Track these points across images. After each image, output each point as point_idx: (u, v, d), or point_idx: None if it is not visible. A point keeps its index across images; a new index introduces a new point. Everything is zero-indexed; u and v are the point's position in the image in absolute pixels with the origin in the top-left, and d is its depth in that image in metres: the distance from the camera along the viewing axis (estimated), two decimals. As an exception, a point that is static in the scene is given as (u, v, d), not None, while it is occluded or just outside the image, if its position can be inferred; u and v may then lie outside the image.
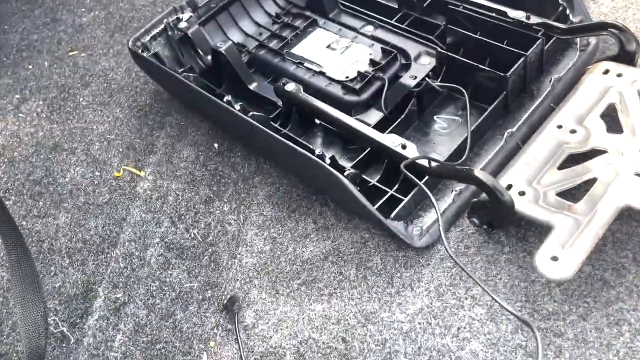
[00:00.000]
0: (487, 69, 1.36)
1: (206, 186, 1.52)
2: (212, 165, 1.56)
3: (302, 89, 1.43)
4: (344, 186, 1.20)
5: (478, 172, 1.10)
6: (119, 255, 1.42)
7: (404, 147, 1.25)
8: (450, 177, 1.18)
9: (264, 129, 1.32)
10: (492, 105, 1.36)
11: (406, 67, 1.55)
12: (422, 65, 1.53)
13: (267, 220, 1.42)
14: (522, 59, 1.35)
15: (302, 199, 1.44)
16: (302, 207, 1.42)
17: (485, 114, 1.35)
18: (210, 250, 1.39)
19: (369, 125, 1.44)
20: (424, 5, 1.65)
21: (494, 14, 1.48)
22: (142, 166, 1.61)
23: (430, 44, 1.56)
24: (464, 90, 1.38)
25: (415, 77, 1.39)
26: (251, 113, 1.39)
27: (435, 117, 1.47)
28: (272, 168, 1.52)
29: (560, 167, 1.17)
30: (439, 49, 1.50)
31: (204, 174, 1.55)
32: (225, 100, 1.42)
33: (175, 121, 1.70)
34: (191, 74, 1.56)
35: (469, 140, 1.27)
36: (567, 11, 1.47)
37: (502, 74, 1.34)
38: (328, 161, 1.27)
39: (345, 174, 1.24)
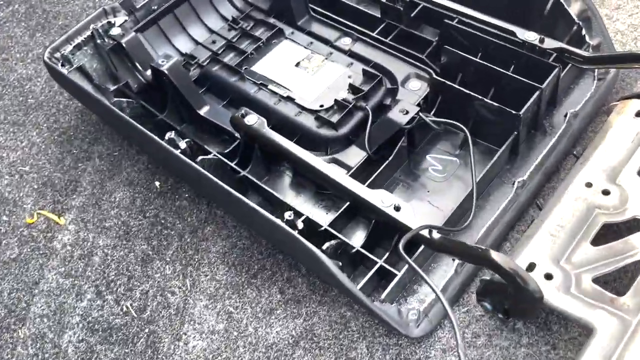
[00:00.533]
0: (494, 104, 1.11)
1: (143, 240, 1.21)
2: (152, 211, 1.26)
3: (265, 123, 1.14)
4: (322, 263, 0.93)
5: (496, 255, 0.84)
6: (27, 337, 1.11)
7: (397, 209, 0.98)
8: (458, 255, 0.92)
9: (218, 182, 1.02)
10: (501, 150, 1.10)
11: (392, 92, 1.28)
12: (412, 92, 1.26)
13: (221, 287, 1.13)
14: (537, 93, 1.10)
15: (265, 259, 1.16)
16: (266, 269, 1.14)
17: (493, 160, 1.09)
18: (147, 330, 1.09)
19: (348, 167, 1.17)
20: (412, 15, 1.38)
21: (495, 31, 1.23)
22: (62, 210, 1.29)
23: (420, 64, 1.29)
24: (465, 130, 1.12)
25: (407, 112, 1.12)
26: (200, 158, 1.09)
27: (428, 157, 1.21)
28: (228, 215, 1.23)
29: (595, 242, 0.93)
30: (433, 74, 1.24)
31: (141, 223, 1.24)
32: (167, 138, 1.12)
33: (107, 151, 1.38)
34: (124, 100, 1.24)
35: (474, 201, 1.02)
36: (583, 31, 1.22)
37: (514, 112, 1.08)
38: (301, 225, 1.00)
39: (325, 247, 0.97)
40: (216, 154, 1.17)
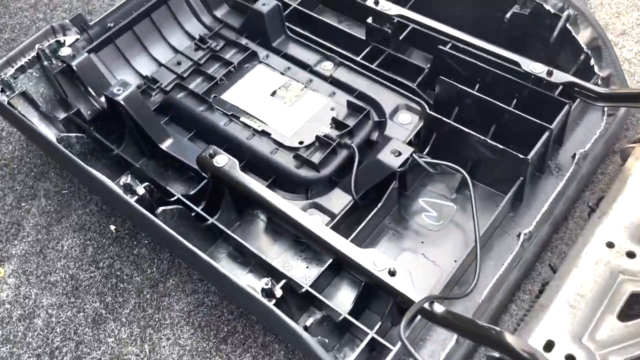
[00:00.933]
0: (497, 146, 0.98)
1: (95, 297, 1.05)
2: (106, 261, 1.09)
3: (237, 165, 0.99)
4: (305, 344, 0.78)
5: (513, 340, 0.71)
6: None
7: (392, 273, 0.84)
8: (466, 334, 0.78)
9: (182, 241, 0.87)
10: (506, 199, 0.98)
11: (379, 125, 1.14)
12: (402, 126, 1.12)
13: (185, 354, 0.98)
14: (547, 134, 0.97)
15: (236, 320, 1.01)
16: (237, 332, 0.99)
17: (497, 212, 0.96)
18: (97, 411, 0.93)
19: (331, 213, 1.02)
20: (400, 38, 1.25)
21: (494, 58, 1.10)
22: (1, 259, 1.11)
23: (410, 94, 1.16)
24: (465, 174, 0.98)
25: (399, 154, 0.98)
26: (161, 209, 0.93)
27: (420, 201, 1.08)
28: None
29: (622, 315, 0.80)
30: (425, 106, 1.11)
31: (93, 276, 1.07)
32: (122, 183, 0.95)
33: (54, 188, 1.20)
34: (72, 135, 1.07)
35: (478, 263, 0.88)
36: (592, 61, 1.11)
37: (521, 157, 0.96)
38: (279, 293, 0.85)
39: (308, 323, 0.82)
40: (180, 197, 1.01)
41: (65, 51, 1.17)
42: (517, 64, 1.05)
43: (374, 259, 0.85)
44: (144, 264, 1.09)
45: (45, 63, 1.19)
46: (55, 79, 1.18)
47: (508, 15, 1.12)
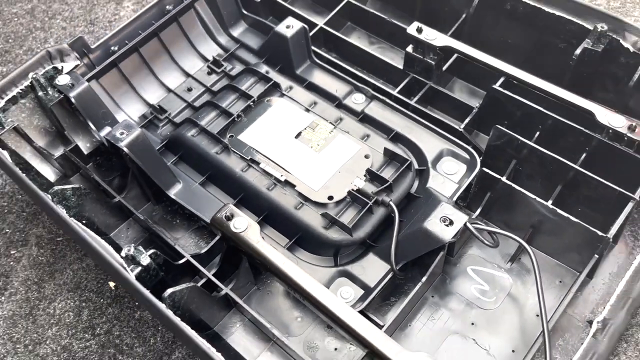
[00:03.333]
0: (570, 218, 0.82)
1: (90, 375, 0.91)
2: (104, 327, 0.95)
3: (259, 230, 0.83)
4: None
5: None
6: None
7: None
8: None
9: (193, 337, 0.72)
10: (579, 280, 0.82)
11: (420, 174, 0.99)
12: (446, 177, 0.97)
13: None
14: (630, 206, 0.81)
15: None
16: None
17: (569, 298, 0.81)
18: None
19: (366, 286, 0.87)
20: (444, 69, 1.08)
21: (560, 102, 0.94)
22: (-16, 323, 0.98)
23: (455, 139, 1.00)
24: (529, 249, 0.82)
25: (450, 222, 0.82)
26: (169, 292, 0.78)
27: (469, 270, 0.92)
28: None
29: None
30: (475, 156, 0.95)
31: (88, 346, 0.93)
32: (124, 255, 0.81)
33: (48, 234, 1.06)
34: (68, 187, 0.92)
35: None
36: (672, 108, 0.94)
37: (599, 234, 0.80)
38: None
39: None
40: (190, 259, 0.87)
41: (62, 80, 1.02)
42: (590, 113, 0.89)
43: (424, 365, 0.71)
44: (146, 332, 0.94)
45: (40, 93, 1.04)
46: (50, 111, 1.04)
47: (578, 51, 0.95)
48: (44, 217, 1.09)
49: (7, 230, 1.08)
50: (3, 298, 1.00)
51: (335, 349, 0.86)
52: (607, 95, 0.99)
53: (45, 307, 0.97)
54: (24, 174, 0.90)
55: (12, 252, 1.05)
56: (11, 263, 1.04)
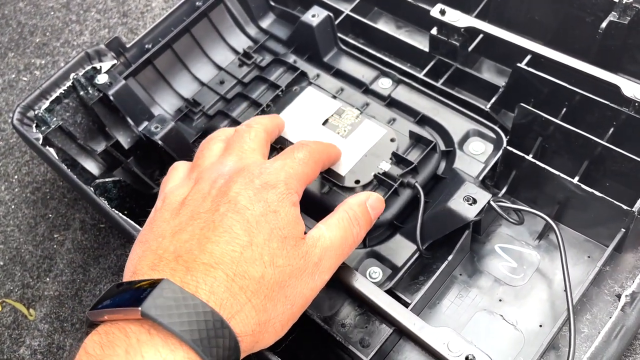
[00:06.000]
0: (594, 193, 0.82)
1: (138, 353, 0.97)
2: (149, 311, 1.01)
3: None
4: None
5: None
6: None
7: None
8: None
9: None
10: (605, 255, 0.82)
11: (447, 156, 1.00)
12: (473, 157, 0.98)
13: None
14: (657, 179, 0.81)
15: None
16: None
17: (595, 271, 0.81)
18: None
19: (394, 265, 0.90)
20: (470, 49, 1.09)
21: (586, 77, 0.93)
22: (32, 299, 1.05)
23: (481, 119, 1.01)
24: (554, 225, 0.83)
25: (474, 201, 0.84)
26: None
27: (496, 247, 0.94)
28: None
29: None
30: (501, 135, 0.96)
31: (136, 328, 1.00)
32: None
33: (91, 220, 1.13)
34: (109, 180, 0.99)
35: (573, 337, 0.74)
36: None
37: (624, 208, 0.80)
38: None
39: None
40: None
41: (101, 79, 1.09)
42: (616, 87, 0.88)
43: (447, 340, 0.73)
44: (188, 314, 1.00)
45: (82, 93, 1.11)
46: (92, 109, 1.10)
47: (603, 25, 0.94)
48: (85, 203, 1.15)
49: (50, 215, 1.15)
50: (48, 279, 1.07)
51: (366, 327, 0.89)
52: (637, 67, 0.98)
53: (91, 289, 1.04)
54: (69, 170, 0.96)
55: (55, 236, 1.12)
56: (55, 246, 1.11)
